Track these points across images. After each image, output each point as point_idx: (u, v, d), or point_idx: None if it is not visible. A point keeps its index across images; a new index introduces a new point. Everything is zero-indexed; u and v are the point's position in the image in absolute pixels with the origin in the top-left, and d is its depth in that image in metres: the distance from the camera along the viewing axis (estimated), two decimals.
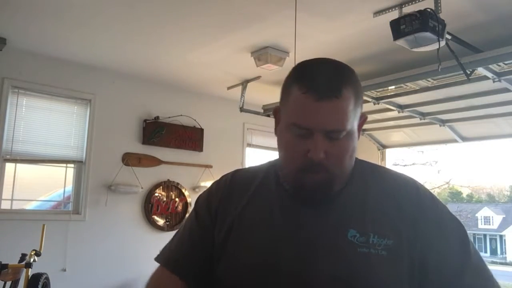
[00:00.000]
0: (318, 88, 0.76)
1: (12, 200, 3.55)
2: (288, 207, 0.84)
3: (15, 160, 3.57)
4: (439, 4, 2.41)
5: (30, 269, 2.68)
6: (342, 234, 0.78)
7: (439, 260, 0.78)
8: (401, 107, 4.11)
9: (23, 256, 2.77)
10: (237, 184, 0.92)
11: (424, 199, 0.84)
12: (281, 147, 0.84)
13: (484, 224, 26.58)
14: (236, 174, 0.96)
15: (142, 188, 4.11)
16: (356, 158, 0.87)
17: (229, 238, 0.84)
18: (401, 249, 0.77)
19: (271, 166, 0.93)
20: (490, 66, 2.85)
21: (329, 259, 0.77)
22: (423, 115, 4.32)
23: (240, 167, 0.97)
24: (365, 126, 5.33)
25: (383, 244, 0.76)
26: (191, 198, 4.43)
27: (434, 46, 2.37)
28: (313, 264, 0.77)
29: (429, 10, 2.29)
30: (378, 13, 2.67)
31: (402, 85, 3.45)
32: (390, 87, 3.58)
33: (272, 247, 0.80)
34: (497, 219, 26.23)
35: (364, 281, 0.74)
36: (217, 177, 1.00)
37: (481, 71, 2.90)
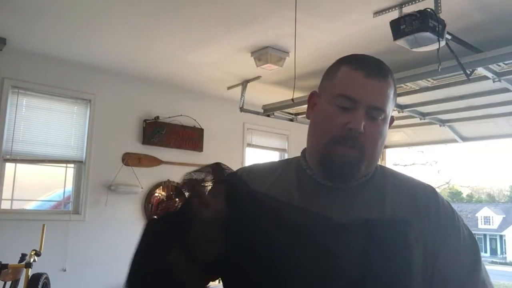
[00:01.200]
0: (369, 67, 0.82)
1: (12, 200, 3.55)
2: (309, 196, 0.83)
3: (15, 160, 3.57)
4: (439, 4, 2.41)
5: (30, 269, 2.68)
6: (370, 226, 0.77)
7: (448, 265, 0.77)
8: (401, 107, 4.11)
9: (23, 256, 2.78)
10: (254, 175, 0.90)
11: (442, 202, 0.84)
12: (318, 119, 0.85)
13: (484, 224, 26.59)
14: (254, 167, 0.94)
15: (142, 188, 4.11)
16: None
17: None
18: (417, 246, 0.76)
19: (289, 161, 0.93)
20: (490, 66, 2.85)
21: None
22: (423, 115, 4.32)
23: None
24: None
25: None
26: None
27: (434, 46, 2.37)
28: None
29: (429, 10, 2.29)
30: (378, 13, 2.67)
31: (402, 85, 3.45)
32: None
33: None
34: (497, 219, 26.24)
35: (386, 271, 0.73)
36: None
37: (481, 71, 2.90)
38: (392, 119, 0.88)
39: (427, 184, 0.88)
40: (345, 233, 0.76)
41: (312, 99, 0.90)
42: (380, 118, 0.81)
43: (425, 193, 0.84)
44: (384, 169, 0.89)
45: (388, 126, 0.86)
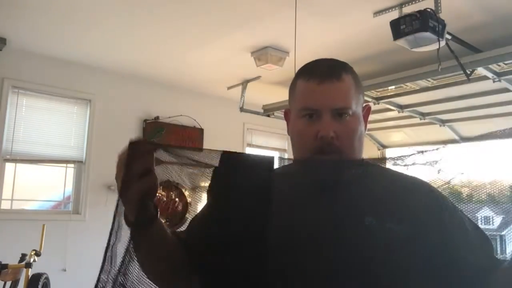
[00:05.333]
0: (320, 74, 0.83)
1: (12, 200, 3.55)
2: (305, 196, 0.83)
3: (15, 160, 3.56)
4: (439, 4, 2.41)
5: (30, 269, 2.68)
6: (359, 221, 0.77)
7: (460, 252, 0.80)
8: (401, 107, 4.11)
9: (23, 256, 2.78)
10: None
11: (439, 194, 0.86)
12: (294, 136, 0.88)
13: (484, 224, 26.58)
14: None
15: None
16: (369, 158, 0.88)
17: None
18: (418, 235, 0.76)
19: (285, 166, 0.93)
20: (490, 66, 2.85)
21: (346, 246, 0.75)
22: (423, 115, 4.32)
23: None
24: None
25: (398, 230, 0.75)
26: (191, 198, 4.42)
27: (434, 46, 2.37)
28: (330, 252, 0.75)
29: (429, 10, 2.29)
30: (378, 13, 2.67)
31: (402, 85, 3.45)
32: (390, 87, 3.58)
33: (290, 231, 0.78)
34: (497, 219, 26.25)
35: (383, 264, 0.73)
36: None
37: (481, 71, 2.90)
38: (368, 107, 0.91)
39: (419, 179, 0.87)
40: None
41: (286, 117, 0.93)
42: (348, 115, 0.82)
43: (420, 187, 0.84)
44: (379, 166, 0.89)
45: (365, 116, 0.88)
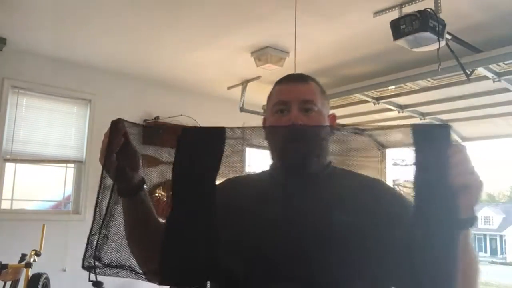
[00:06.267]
0: (291, 78, 1.03)
1: (12, 200, 3.55)
2: (276, 192, 0.93)
3: (15, 160, 3.57)
4: (439, 4, 2.41)
5: (30, 269, 2.68)
6: (325, 214, 0.85)
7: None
8: (401, 107, 4.11)
9: (23, 256, 2.78)
10: (234, 181, 1.00)
11: (389, 186, 0.93)
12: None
13: (484, 224, 26.59)
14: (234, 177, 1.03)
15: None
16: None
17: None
18: (377, 225, 0.82)
19: (264, 170, 1.04)
20: (490, 66, 2.85)
21: (310, 231, 0.84)
22: (423, 115, 4.32)
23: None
24: (365, 126, 5.33)
25: (361, 222, 0.82)
26: None
27: (434, 46, 2.38)
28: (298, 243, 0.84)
29: (429, 10, 2.29)
30: (378, 13, 2.67)
31: (402, 85, 3.46)
32: (390, 87, 3.58)
33: (262, 226, 0.87)
34: (497, 219, 26.23)
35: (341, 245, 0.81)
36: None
37: (481, 71, 2.91)
38: (334, 117, 1.03)
39: (377, 178, 0.96)
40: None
41: (264, 123, 1.06)
42: (313, 110, 0.96)
43: (374, 182, 0.94)
44: (336, 168, 0.98)
45: (331, 122, 1.01)
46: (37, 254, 2.83)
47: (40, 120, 3.74)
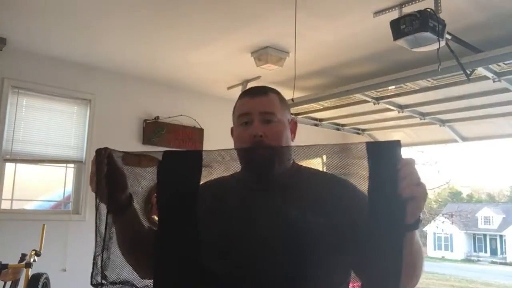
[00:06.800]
0: (252, 92, 1.11)
1: (12, 200, 3.55)
2: (242, 195, 1.03)
3: (15, 160, 3.56)
4: (439, 4, 2.41)
5: (30, 269, 2.68)
6: (286, 214, 0.94)
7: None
8: (401, 107, 4.11)
9: (23, 256, 2.77)
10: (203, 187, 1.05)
11: (344, 180, 0.98)
12: (236, 142, 1.09)
13: (484, 224, 26.58)
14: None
15: (141, 188, 4.10)
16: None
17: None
18: (335, 224, 0.90)
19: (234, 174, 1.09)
20: (490, 66, 2.85)
21: (276, 232, 0.93)
22: (423, 115, 4.32)
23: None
24: (365, 126, 5.35)
25: (318, 221, 0.91)
26: None
27: (434, 46, 2.38)
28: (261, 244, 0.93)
29: (429, 10, 2.29)
30: (378, 13, 2.67)
31: (402, 85, 3.45)
32: (390, 87, 3.58)
33: (228, 228, 0.98)
34: (497, 219, 26.23)
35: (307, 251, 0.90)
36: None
37: (481, 71, 2.91)
38: (294, 122, 1.12)
39: (334, 175, 1.01)
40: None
41: (232, 133, 1.14)
42: (274, 120, 1.05)
43: (333, 177, 0.98)
44: (305, 168, 1.04)
45: (292, 128, 1.10)
46: (37, 254, 2.83)
47: (40, 120, 3.74)
